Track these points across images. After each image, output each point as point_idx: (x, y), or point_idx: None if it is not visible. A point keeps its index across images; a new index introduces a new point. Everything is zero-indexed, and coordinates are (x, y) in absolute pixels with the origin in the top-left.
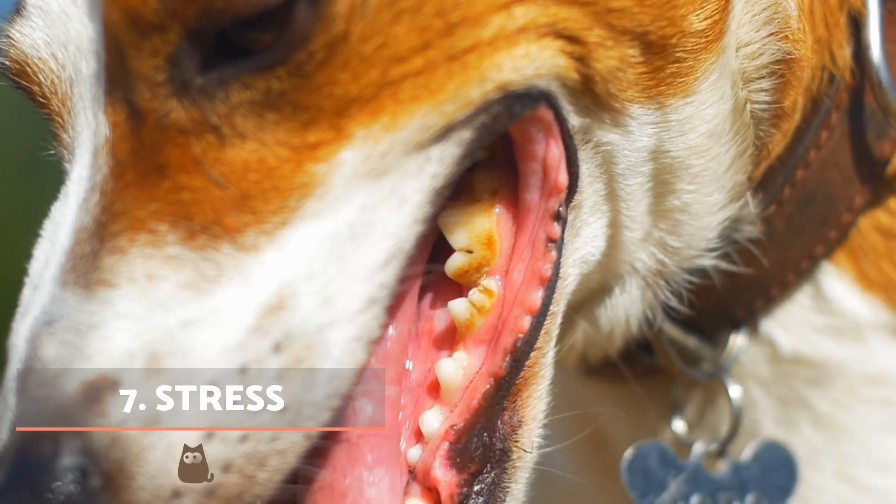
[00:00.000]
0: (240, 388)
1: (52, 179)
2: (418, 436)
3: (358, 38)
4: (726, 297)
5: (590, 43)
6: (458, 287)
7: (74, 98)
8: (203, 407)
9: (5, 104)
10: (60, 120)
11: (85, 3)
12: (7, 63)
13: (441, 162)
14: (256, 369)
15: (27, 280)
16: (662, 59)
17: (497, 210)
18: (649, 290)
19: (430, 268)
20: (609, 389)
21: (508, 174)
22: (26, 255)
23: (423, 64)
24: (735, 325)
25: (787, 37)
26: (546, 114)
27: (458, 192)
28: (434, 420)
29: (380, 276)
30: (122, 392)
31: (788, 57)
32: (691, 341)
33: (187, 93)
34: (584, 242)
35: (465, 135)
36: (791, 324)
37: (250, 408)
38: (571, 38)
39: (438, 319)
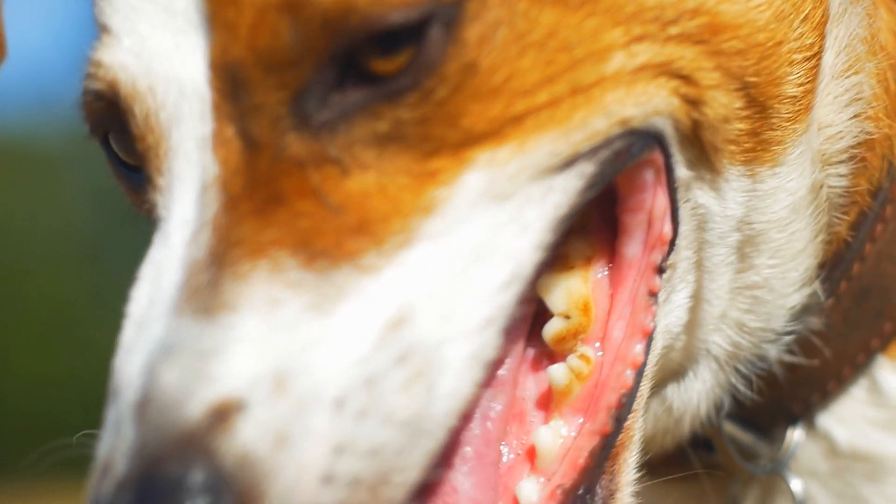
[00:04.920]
0: (365, 401)
1: (118, 268)
2: None
3: (486, 68)
4: (783, 393)
5: (702, 85)
6: (543, 362)
7: (173, 140)
8: (331, 423)
9: (77, 190)
10: (156, 162)
11: (188, 44)
12: (98, 87)
13: (564, 192)
14: (381, 381)
15: (126, 321)
16: (762, 119)
17: (592, 276)
18: (722, 373)
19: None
20: (669, 489)
21: (602, 241)
22: (94, 339)
23: (548, 98)
24: (791, 421)
25: (869, 117)
26: (658, 158)
27: (552, 262)
28: (531, 490)
29: (499, 298)
30: (249, 413)
31: (869, 137)
32: (747, 438)
33: (308, 125)
34: (670, 311)
35: (588, 168)
36: (847, 418)
37: (377, 421)
38: (685, 79)
39: (528, 391)
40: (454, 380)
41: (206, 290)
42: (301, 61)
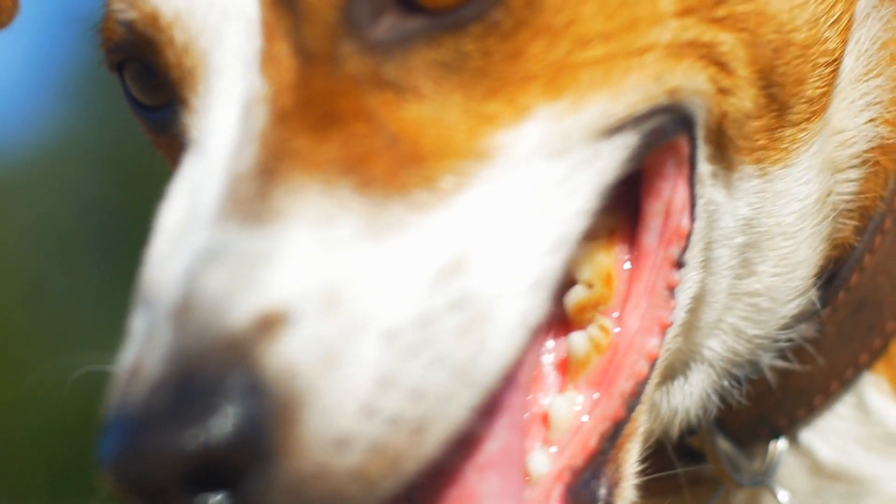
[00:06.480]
0: (418, 339)
1: (61, 302)
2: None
3: (549, 8)
4: (770, 403)
5: (736, 75)
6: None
7: (213, 62)
8: (380, 354)
9: (19, 224)
10: (192, 83)
11: None
12: (132, 17)
13: (609, 160)
14: (435, 323)
15: (157, 234)
16: (778, 117)
17: (615, 249)
18: (715, 377)
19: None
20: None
21: (625, 218)
22: (26, 380)
23: (605, 54)
24: (774, 435)
25: (886, 121)
26: (684, 147)
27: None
28: (542, 461)
29: (548, 261)
30: (298, 327)
31: (884, 142)
32: (730, 449)
33: (364, 40)
34: (678, 310)
35: (631, 139)
36: (831, 435)
37: (426, 361)
38: (722, 66)
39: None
40: (504, 338)
41: (254, 200)
42: None
